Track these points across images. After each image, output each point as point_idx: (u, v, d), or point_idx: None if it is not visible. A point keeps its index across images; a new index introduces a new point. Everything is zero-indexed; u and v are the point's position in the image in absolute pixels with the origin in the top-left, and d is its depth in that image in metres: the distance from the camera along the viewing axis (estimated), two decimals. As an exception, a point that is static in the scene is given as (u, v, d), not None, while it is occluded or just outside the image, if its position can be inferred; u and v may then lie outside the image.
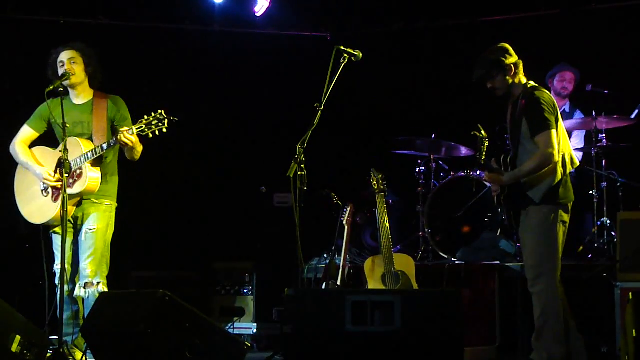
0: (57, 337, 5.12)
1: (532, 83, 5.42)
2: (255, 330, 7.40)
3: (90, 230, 5.64)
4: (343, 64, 5.05)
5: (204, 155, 8.01)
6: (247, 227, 8.17)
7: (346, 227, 6.46)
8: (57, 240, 5.68)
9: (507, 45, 5.40)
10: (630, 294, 4.85)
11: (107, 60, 5.92)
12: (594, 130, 7.17)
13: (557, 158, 5.20)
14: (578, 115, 7.67)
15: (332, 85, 4.98)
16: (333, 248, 6.53)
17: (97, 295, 5.50)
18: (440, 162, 7.81)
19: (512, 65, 5.34)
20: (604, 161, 7.23)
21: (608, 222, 7.06)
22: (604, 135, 7.19)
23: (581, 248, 7.11)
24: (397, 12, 8.64)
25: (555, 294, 5.22)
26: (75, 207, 5.63)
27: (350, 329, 4.28)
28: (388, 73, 8.48)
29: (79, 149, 5.58)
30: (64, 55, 5.72)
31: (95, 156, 5.56)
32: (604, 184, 7.17)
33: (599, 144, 7.18)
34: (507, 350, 6.51)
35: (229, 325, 7.29)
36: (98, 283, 5.59)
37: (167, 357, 4.59)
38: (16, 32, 7.93)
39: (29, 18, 8.05)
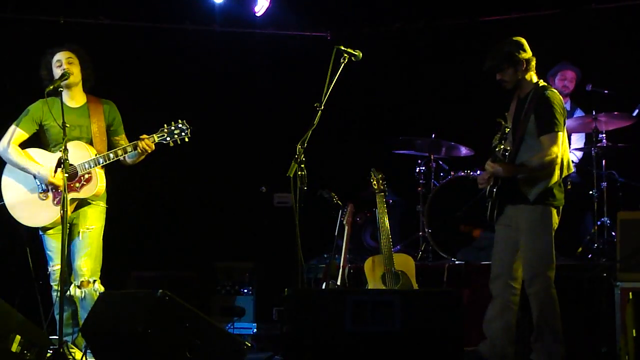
0: (57, 337, 5.12)
1: (542, 82, 5.40)
2: (255, 330, 7.41)
3: (89, 229, 5.63)
4: (343, 64, 5.04)
5: (204, 155, 8.00)
6: (247, 227, 8.17)
7: (346, 227, 6.46)
8: (48, 241, 5.66)
9: (523, 40, 5.37)
10: (630, 294, 4.87)
11: (107, 60, 5.92)
12: (594, 131, 7.17)
13: (559, 160, 5.21)
14: (578, 114, 7.68)
15: (332, 85, 4.97)
16: (333, 248, 6.53)
17: (94, 294, 5.50)
18: (440, 162, 7.81)
19: (525, 61, 5.30)
20: (604, 161, 7.23)
21: (608, 221, 7.06)
22: (604, 135, 7.19)
23: (581, 248, 7.12)
24: (396, 12, 8.63)
25: (551, 293, 5.22)
26: (73, 209, 5.62)
27: (350, 328, 4.26)
28: (388, 73, 8.48)
29: (85, 152, 5.56)
30: (61, 55, 5.67)
31: (109, 161, 5.56)
32: (604, 183, 7.16)
33: (599, 144, 7.18)
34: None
35: (229, 325, 7.29)
36: (94, 281, 5.58)
37: (167, 357, 4.59)
38: (16, 32, 7.92)
39: (29, 18, 8.04)
